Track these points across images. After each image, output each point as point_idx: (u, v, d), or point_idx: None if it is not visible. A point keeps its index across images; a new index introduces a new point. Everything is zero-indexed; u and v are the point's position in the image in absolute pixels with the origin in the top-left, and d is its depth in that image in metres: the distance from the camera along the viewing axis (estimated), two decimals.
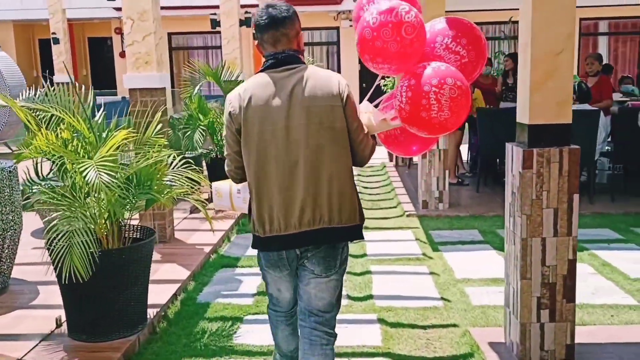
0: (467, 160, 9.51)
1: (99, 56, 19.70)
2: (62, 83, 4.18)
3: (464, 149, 9.34)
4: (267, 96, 2.56)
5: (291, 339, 2.95)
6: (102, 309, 3.69)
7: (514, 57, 9.01)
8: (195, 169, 4.12)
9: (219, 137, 7.50)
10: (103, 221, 3.72)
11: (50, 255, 3.59)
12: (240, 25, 10.25)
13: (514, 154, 3.39)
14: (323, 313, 2.71)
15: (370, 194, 8.24)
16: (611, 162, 8.31)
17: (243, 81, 7.80)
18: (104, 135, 3.84)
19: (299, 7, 2.78)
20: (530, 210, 3.29)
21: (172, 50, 18.19)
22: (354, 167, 2.69)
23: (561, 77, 3.22)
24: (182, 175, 4.02)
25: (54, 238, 3.45)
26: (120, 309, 3.74)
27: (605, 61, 11.02)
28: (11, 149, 9.56)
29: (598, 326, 3.98)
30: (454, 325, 4.04)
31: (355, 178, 2.71)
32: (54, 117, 3.85)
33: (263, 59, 2.69)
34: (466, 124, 8.47)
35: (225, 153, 2.73)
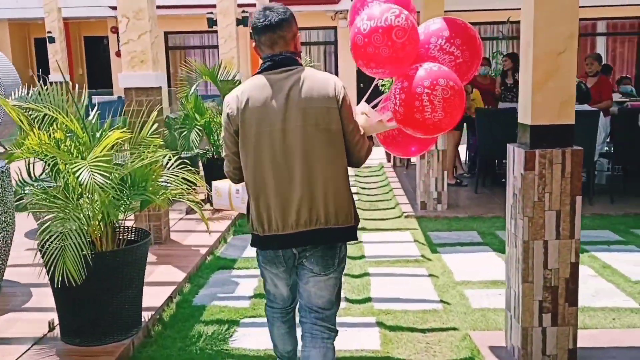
0: (466, 161, 9.46)
1: (95, 55, 19.61)
2: (58, 82, 4.11)
3: (462, 149, 9.29)
4: (264, 98, 2.59)
5: (287, 337, 3.00)
6: (95, 312, 3.62)
7: (512, 57, 8.98)
8: (191, 169, 4.06)
9: (216, 137, 7.45)
10: (97, 223, 3.66)
11: (42, 257, 3.52)
12: (237, 24, 10.18)
13: (515, 155, 3.33)
14: (323, 310, 2.75)
15: (368, 195, 8.18)
16: (611, 163, 8.26)
17: (240, 81, 7.79)
18: (97, 135, 3.78)
19: (297, 7, 2.78)
20: (532, 213, 3.23)
21: (168, 49, 18.12)
22: (351, 168, 2.67)
23: (563, 77, 3.16)
24: (177, 176, 3.95)
25: (47, 240, 3.38)
26: (114, 312, 3.67)
27: (603, 62, 10.97)
28: (5, 149, 9.48)
29: (600, 330, 3.92)
30: (454, 329, 3.98)
31: (352, 179, 2.70)
32: (46, 117, 3.78)
33: (260, 61, 2.72)
34: (464, 124, 8.42)
35: (224, 154, 2.77)
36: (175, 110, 10.28)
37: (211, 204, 6.81)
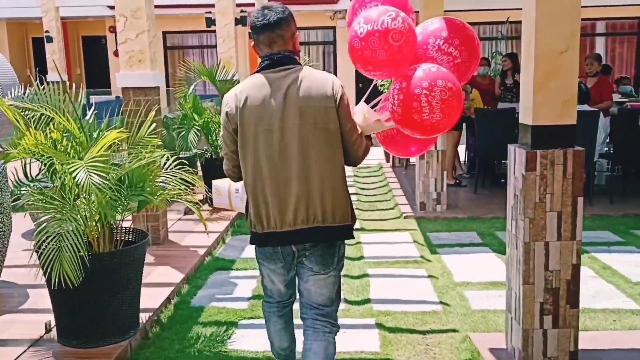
0: (465, 161, 9.43)
1: (93, 55, 19.56)
2: (56, 82, 4.07)
3: (462, 149, 9.26)
4: (263, 97, 2.60)
5: (283, 334, 3.02)
6: (93, 314, 3.59)
7: (512, 57, 8.95)
8: (189, 169, 4.03)
9: (214, 137, 7.42)
10: (94, 224, 3.63)
11: (39, 258, 3.49)
12: (236, 24, 10.14)
13: (516, 155, 3.30)
14: (324, 307, 2.80)
15: (367, 195, 8.15)
16: (610, 164, 8.24)
17: (238, 81, 7.75)
18: (95, 135, 3.74)
19: (295, 7, 2.80)
20: (534, 214, 3.20)
21: (167, 49, 18.08)
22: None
23: (565, 76, 3.13)
24: (175, 176, 3.92)
25: (43, 241, 3.35)
26: (111, 314, 3.64)
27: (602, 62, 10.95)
28: (2, 148, 9.45)
29: (601, 332, 3.90)
30: (454, 331, 3.95)
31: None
32: (43, 117, 3.75)
33: (259, 60, 2.74)
34: (464, 125, 8.39)
35: (223, 152, 2.80)
36: (173, 110, 10.25)
37: (209, 204, 6.80)
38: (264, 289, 2.99)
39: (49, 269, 3.30)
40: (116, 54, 17.33)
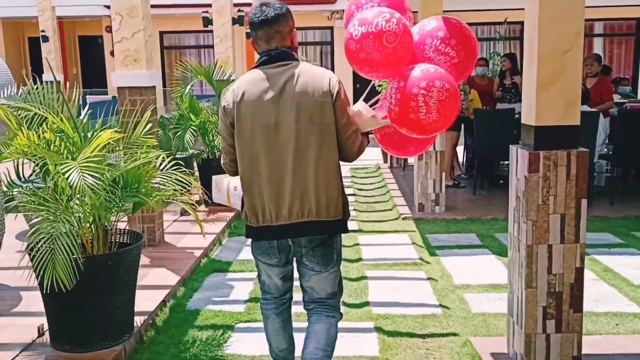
0: (463, 162, 9.37)
1: (90, 55, 19.47)
2: (50, 81, 4.00)
3: (460, 150, 9.20)
4: (260, 92, 2.63)
5: (281, 333, 3.00)
6: (86, 317, 3.52)
7: (511, 57, 8.91)
8: (185, 170, 3.96)
9: (211, 138, 7.36)
10: (88, 225, 3.56)
11: (31, 260, 3.42)
12: (233, 23, 10.08)
13: (519, 156, 3.24)
14: (326, 299, 2.88)
15: (365, 196, 8.08)
16: (610, 165, 8.19)
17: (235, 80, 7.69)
18: (89, 135, 3.67)
19: (293, 7, 2.82)
20: (536, 216, 3.14)
21: (163, 49, 18.00)
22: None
23: (569, 76, 3.08)
24: (171, 177, 3.85)
25: (36, 243, 3.27)
26: (105, 317, 3.56)
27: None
28: None
29: (604, 336, 3.84)
30: (454, 334, 3.89)
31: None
32: (36, 116, 3.67)
33: (257, 56, 2.77)
34: (462, 125, 8.33)
35: (221, 146, 2.84)
36: (170, 110, 10.17)
37: (206, 205, 6.73)
38: (261, 285, 2.99)
39: (41, 272, 3.23)
40: (112, 53, 17.26)
